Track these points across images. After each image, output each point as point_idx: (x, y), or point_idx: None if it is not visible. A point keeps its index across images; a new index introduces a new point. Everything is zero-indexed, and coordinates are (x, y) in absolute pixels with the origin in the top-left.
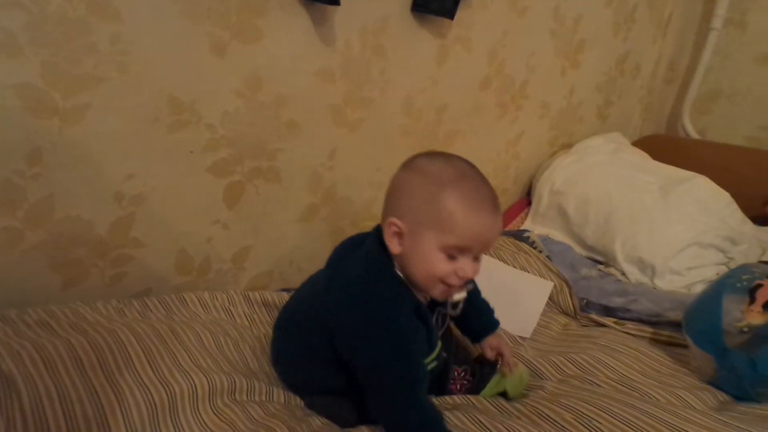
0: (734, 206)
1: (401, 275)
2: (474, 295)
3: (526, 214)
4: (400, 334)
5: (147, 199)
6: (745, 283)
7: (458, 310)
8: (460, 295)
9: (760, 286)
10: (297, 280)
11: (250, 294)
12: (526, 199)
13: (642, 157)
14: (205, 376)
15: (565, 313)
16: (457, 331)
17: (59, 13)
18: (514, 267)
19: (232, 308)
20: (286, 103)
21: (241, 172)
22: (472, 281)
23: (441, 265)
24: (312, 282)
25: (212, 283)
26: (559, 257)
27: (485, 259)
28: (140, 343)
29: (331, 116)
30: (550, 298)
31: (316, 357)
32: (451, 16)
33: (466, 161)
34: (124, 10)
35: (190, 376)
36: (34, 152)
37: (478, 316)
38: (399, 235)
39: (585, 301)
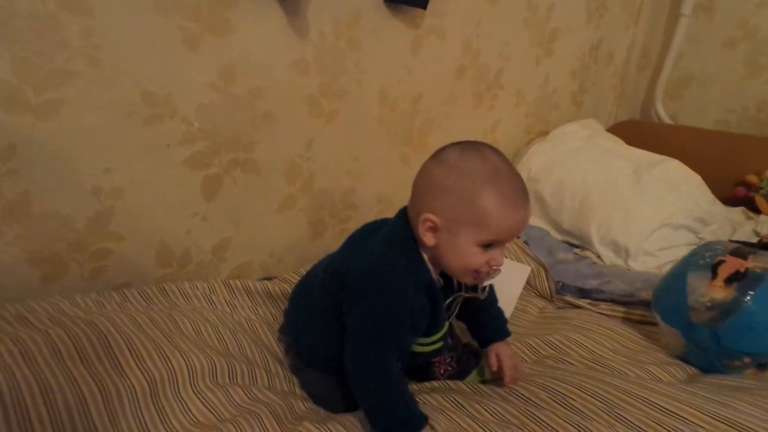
0: (705, 188)
1: (423, 255)
2: (490, 301)
3: None
4: (402, 301)
5: (125, 192)
6: (708, 260)
7: (486, 293)
8: (490, 280)
9: (722, 262)
10: (278, 270)
11: (231, 282)
12: None
13: (616, 143)
14: (185, 360)
15: (542, 297)
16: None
17: (29, 8)
18: None
19: (213, 296)
20: (262, 95)
21: (218, 164)
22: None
23: (476, 258)
24: (330, 257)
25: (193, 275)
26: (537, 242)
27: None
28: (119, 332)
29: (307, 107)
30: (528, 282)
31: (324, 324)
32: (423, 6)
33: (495, 151)
34: (95, 5)
35: (170, 361)
36: (7, 148)
37: (490, 321)
38: (433, 229)
39: (561, 284)
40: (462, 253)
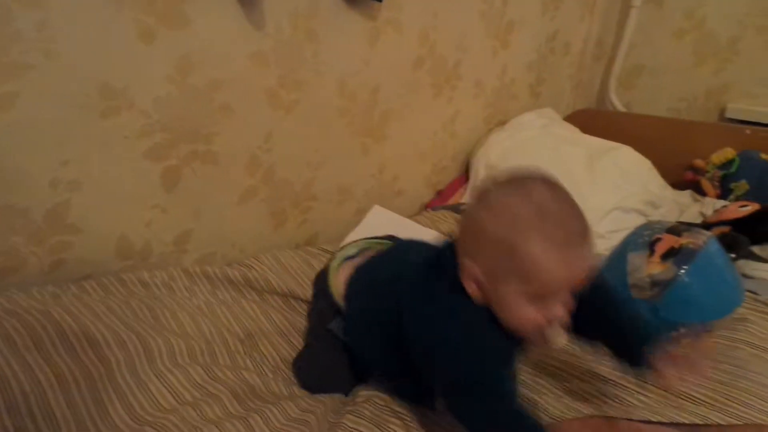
0: (655, 173)
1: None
2: (611, 300)
3: (465, 189)
4: (480, 339)
5: (83, 185)
6: (646, 238)
7: (562, 341)
8: (558, 340)
9: (658, 239)
10: (240, 260)
11: (191, 268)
12: (465, 175)
13: (571, 131)
14: (142, 344)
15: None
16: None
17: None
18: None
19: (172, 283)
20: (220, 87)
21: (177, 156)
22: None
23: (530, 315)
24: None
25: (155, 267)
26: None
27: (422, 229)
28: (75, 321)
29: (266, 99)
30: None
31: (378, 334)
32: None
33: (547, 184)
34: None
35: (126, 345)
36: None
37: (624, 329)
38: (478, 283)
39: None
40: (511, 310)
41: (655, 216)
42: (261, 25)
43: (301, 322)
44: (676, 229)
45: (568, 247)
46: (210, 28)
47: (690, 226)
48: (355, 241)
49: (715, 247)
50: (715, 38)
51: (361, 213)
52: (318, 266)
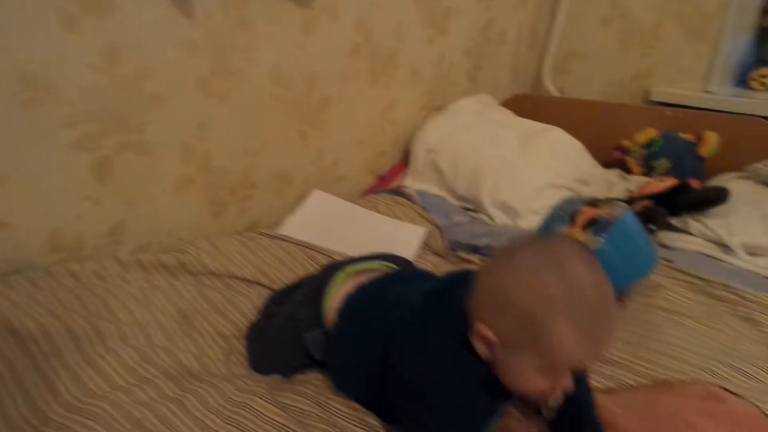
0: (585, 153)
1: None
2: (585, 411)
3: (406, 174)
4: (472, 400)
5: (9, 179)
6: (568, 211)
7: (553, 413)
8: (554, 404)
9: (579, 212)
10: (178, 249)
11: (123, 257)
12: (405, 160)
13: (506, 115)
14: (68, 332)
15: (437, 254)
16: None
17: None
18: (390, 217)
19: (103, 272)
20: (150, 75)
21: (107, 146)
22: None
23: (538, 385)
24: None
25: (88, 259)
26: (435, 208)
27: (361, 211)
28: None
29: (198, 88)
30: (424, 242)
31: (362, 365)
32: None
33: (582, 259)
34: None
35: (52, 336)
36: None
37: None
38: (489, 344)
39: (455, 243)
40: (520, 378)
41: (586, 193)
42: (190, 13)
43: (240, 300)
44: (595, 202)
45: (594, 332)
46: (137, 15)
47: (609, 200)
48: (367, 258)
49: (629, 217)
50: (638, 25)
51: (302, 200)
52: (256, 250)
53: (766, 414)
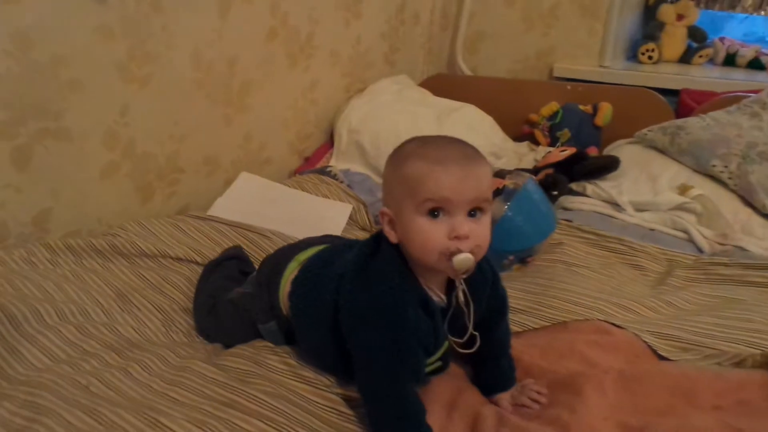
0: (497, 128)
1: (409, 266)
2: (499, 352)
3: (331, 155)
4: (402, 323)
5: None
6: None
7: (474, 348)
8: (460, 258)
9: None
10: (108, 233)
11: (52, 242)
12: (330, 141)
13: (423, 94)
14: (3, 313)
15: (363, 229)
16: None
17: None
18: (317, 196)
19: (32, 258)
20: (65, 62)
21: (26, 133)
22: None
23: (428, 230)
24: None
25: (16, 248)
26: (360, 185)
27: (289, 191)
28: None
29: (117, 73)
30: (350, 218)
31: (322, 321)
32: None
33: (441, 136)
34: None
35: None
36: None
37: (495, 372)
38: (392, 223)
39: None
40: (413, 230)
41: (498, 165)
42: None
43: (176, 277)
44: (501, 173)
45: (444, 162)
46: (47, 1)
47: (513, 170)
48: (312, 244)
49: (531, 185)
50: (538, 5)
51: (230, 183)
52: (187, 231)
53: (642, 338)
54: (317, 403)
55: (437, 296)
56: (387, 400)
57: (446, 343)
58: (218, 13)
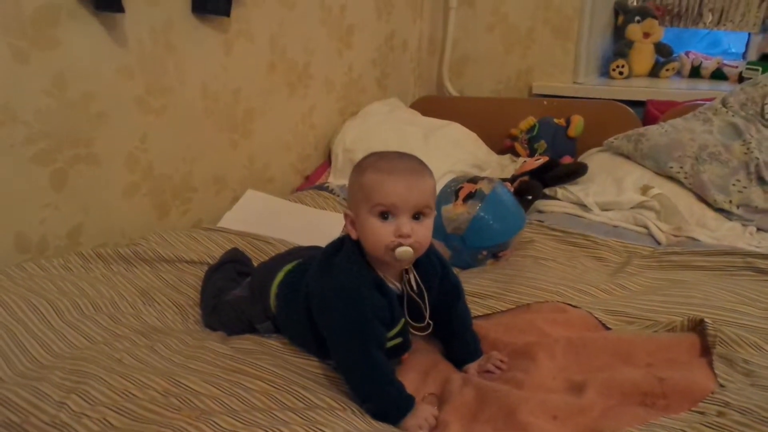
0: (480, 143)
1: (367, 259)
2: (462, 328)
3: (329, 173)
4: (359, 299)
5: None
6: (453, 188)
7: (428, 332)
8: (401, 250)
9: (461, 188)
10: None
11: (84, 251)
12: (328, 160)
13: (412, 115)
14: (50, 305)
15: None
16: None
17: None
18: (315, 208)
19: (69, 265)
20: (93, 98)
21: (62, 159)
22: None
23: (378, 228)
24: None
25: (54, 258)
26: None
27: (290, 204)
28: None
29: (136, 106)
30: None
31: (300, 313)
32: (227, 14)
33: (399, 153)
34: None
35: (37, 308)
36: None
37: (462, 346)
38: (353, 222)
39: None
40: (367, 229)
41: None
42: (124, 42)
43: (191, 279)
44: (474, 179)
45: (394, 173)
46: (79, 47)
47: (484, 177)
48: (298, 254)
49: (500, 188)
50: (516, 30)
51: (237, 200)
52: (200, 240)
53: (594, 315)
54: (309, 370)
55: (392, 284)
56: (357, 366)
57: (403, 321)
58: (223, 50)
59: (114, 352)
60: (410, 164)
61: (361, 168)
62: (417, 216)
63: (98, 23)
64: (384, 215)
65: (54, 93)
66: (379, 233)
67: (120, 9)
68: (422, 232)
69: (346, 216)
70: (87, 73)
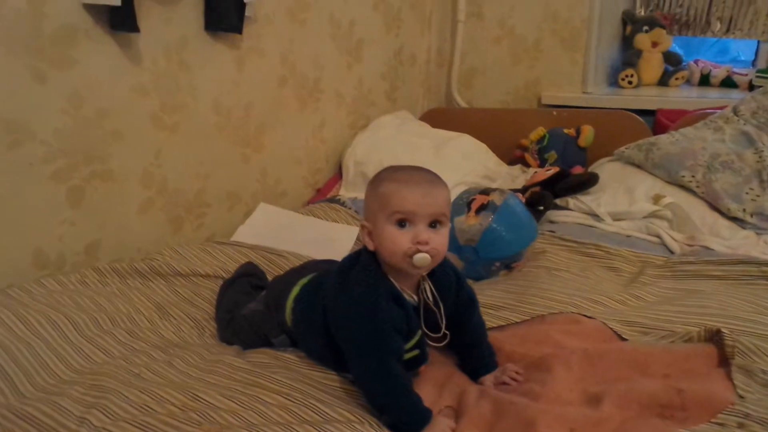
0: (490, 154)
1: (383, 270)
2: (476, 341)
3: (340, 185)
4: (377, 311)
5: None
6: (465, 200)
7: (444, 343)
8: (419, 257)
9: (473, 199)
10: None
11: (100, 266)
12: (339, 173)
13: (422, 127)
14: (69, 320)
15: None
16: None
17: None
18: (327, 221)
19: (86, 280)
20: (109, 116)
21: (78, 176)
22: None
23: (396, 236)
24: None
25: (71, 273)
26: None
27: (303, 218)
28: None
29: (151, 123)
30: (357, 239)
31: (317, 327)
32: (239, 32)
33: (411, 165)
34: None
35: (56, 323)
36: None
37: (477, 359)
38: (370, 234)
39: None
40: (384, 237)
41: (493, 187)
42: (138, 61)
43: (206, 293)
44: (486, 191)
45: (411, 183)
46: (95, 67)
47: (497, 189)
48: (312, 269)
49: (512, 199)
50: (523, 41)
51: (250, 214)
52: (214, 254)
53: (608, 326)
54: (326, 383)
55: (409, 295)
56: (375, 378)
57: (419, 333)
58: (235, 66)
59: (132, 367)
60: (426, 175)
61: (377, 180)
62: (433, 224)
63: (114, 43)
64: (401, 223)
65: (70, 111)
66: (397, 240)
67: (135, 29)
68: (439, 240)
69: (362, 227)
70: (102, 92)
